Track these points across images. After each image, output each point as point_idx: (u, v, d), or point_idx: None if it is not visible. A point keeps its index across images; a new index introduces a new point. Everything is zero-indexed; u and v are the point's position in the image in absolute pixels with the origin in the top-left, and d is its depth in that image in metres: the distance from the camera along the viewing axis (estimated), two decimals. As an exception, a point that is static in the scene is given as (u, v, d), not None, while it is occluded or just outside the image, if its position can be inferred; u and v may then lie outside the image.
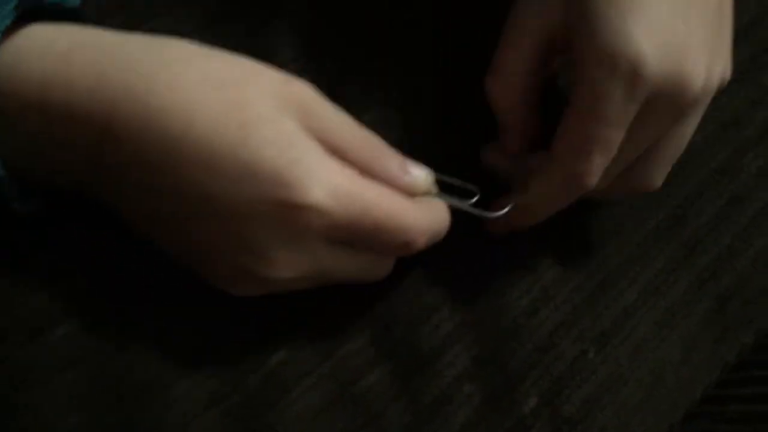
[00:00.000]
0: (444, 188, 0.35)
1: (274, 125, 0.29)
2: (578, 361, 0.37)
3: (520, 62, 0.34)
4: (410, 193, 0.32)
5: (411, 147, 0.35)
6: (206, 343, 0.34)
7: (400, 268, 0.36)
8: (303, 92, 0.31)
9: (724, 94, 0.43)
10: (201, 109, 0.28)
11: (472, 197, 0.35)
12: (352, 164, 0.31)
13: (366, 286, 0.35)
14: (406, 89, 0.39)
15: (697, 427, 0.42)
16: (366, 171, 0.31)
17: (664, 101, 0.31)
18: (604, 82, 0.30)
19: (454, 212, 0.34)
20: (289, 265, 0.30)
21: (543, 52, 0.34)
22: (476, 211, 0.35)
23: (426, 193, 0.33)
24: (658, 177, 0.35)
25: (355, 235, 0.30)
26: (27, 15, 0.29)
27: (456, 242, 0.37)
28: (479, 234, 0.38)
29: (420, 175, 0.33)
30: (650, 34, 0.30)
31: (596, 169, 0.32)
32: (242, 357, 0.34)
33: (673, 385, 0.39)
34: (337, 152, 0.31)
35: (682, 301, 0.40)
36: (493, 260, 0.38)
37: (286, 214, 0.29)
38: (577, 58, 0.31)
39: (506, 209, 0.35)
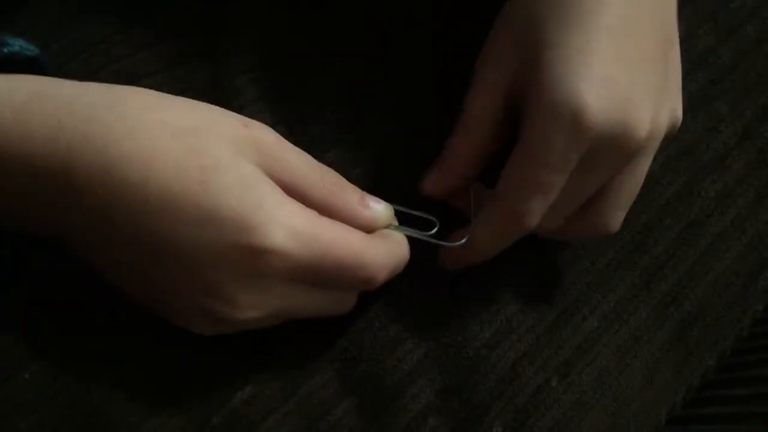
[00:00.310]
0: (405, 220, 0.35)
1: (233, 170, 0.29)
2: (542, 390, 0.38)
3: (485, 118, 0.35)
4: (371, 227, 0.34)
5: (372, 182, 0.36)
6: (172, 381, 0.35)
7: (364, 302, 0.36)
8: (261, 135, 0.31)
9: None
10: (159, 156, 0.29)
11: (432, 228, 0.36)
12: (312, 203, 0.32)
13: (331, 320, 0.35)
14: (367, 128, 0.40)
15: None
16: (327, 208, 0.32)
17: (608, 148, 0.32)
18: (547, 129, 0.32)
19: (419, 244, 0.35)
20: (254, 307, 0.31)
21: (506, 101, 0.35)
22: (435, 241, 0.36)
23: (387, 226, 0.34)
24: (613, 220, 0.36)
25: (318, 274, 0.31)
26: None
27: (419, 275, 0.38)
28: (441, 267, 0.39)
29: (379, 209, 0.34)
30: (594, 86, 0.31)
31: (536, 211, 0.33)
32: (208, 395, 0.35)
33: (637, 409, 0.40)
34: (297, 192, 0.31)
35: (644, 327, 0.40)
36: (456, 292, 0.38)
37: (249, 259, 0.29)
38: (527, 105, 0.33)
39: (464, 240, 0.36)
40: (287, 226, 0.29)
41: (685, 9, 0.45)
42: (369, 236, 0.33)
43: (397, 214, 0.36)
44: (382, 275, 0.33)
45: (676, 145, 0.44)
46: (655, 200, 0.42)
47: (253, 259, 0.29)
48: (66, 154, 0.28)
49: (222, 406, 0.34)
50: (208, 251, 0.29)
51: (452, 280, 0.38)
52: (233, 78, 0.41)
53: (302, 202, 0.31)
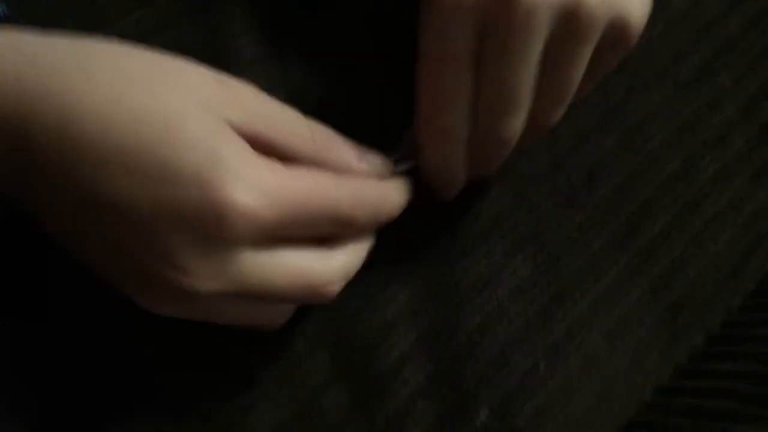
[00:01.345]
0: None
1: (197, 125, 0.27)
2: (529, 374, 0.38)
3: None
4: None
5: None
6: (162, 365, 0.35)
7: (359, 287, 0.36)
8: (238, 90, 0.30)
9: (680, 97, 0.43)
10: (119, 109, 0.27)
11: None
12: (303, 160, 0.30)
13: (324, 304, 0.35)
14: (370, 94, 0.39)
15: (650, 418, 0.43)
16: (319, 165, 0.31)
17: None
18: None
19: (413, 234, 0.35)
20: (212, 278, 0.28)
21: None
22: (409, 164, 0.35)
23: None
24: (552, 119, 0.34)
25: (290, 230, 0.29)
26: None
27: (413, 259, 0.38)
28: (437, 249, 0.38)
29: (377, 162, 0.33)
30: None
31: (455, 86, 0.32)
32: (198, 380, 0.35)
33: (623, 390, 0.40)
34: (283, 150, 0.30)
35: (635, 310, 0.40)
36: (449, 277, 0.38)
37: (209, 220, 0.27)
38: None
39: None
40: (252, 184, 0.27)
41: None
42: (358, 179, 0.32)
43: None
44: (360, 213, 0.31)
45: (677, 120, 0.43)
46: (653, 179, 0.42)
47: (213, 221, 0.27)
48: (24, 106, 0.26)
49: (214, 391, 0.35)
50: (165, 211, 0.27)
51: (445, 265, 0.38)
52: (230, 40, 0.40)
53: (291, 160, 0.30)
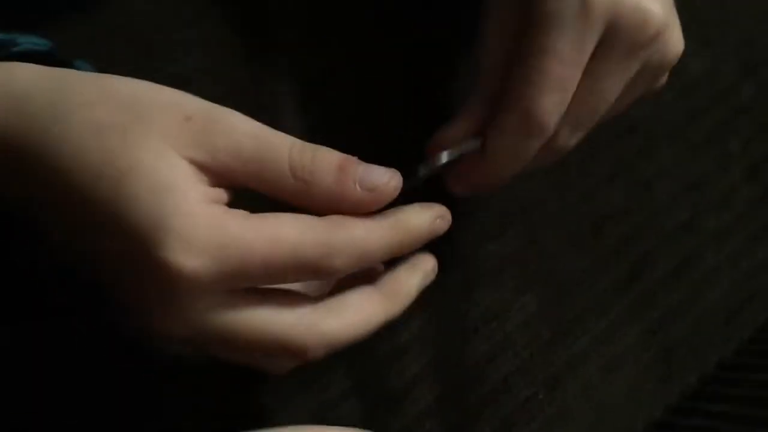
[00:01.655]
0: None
1: (149, 174, 0.27)
2: (529, 401, 0.42)
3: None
4: (370, 206, 0.30)
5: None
6: (206, 369, 0.39)
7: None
8: (207, 128, 0.28)
9: (689, 157, 0.47)
10: (81, 160, 0.27)
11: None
12: (285, 195, 0.29)
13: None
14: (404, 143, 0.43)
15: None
16: (298, 199, 0.30)
17: (621, 34, 0.32)
18: (556, 14, 0.31)
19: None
20: (176, 324, 0.28)
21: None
22: (446, 157, 0.34)
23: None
24: (570, 141, 0.35)
25: (252, 283, 0.29)
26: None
27: (428, 290, 0.41)
28: (451, 282, 0.42)
29: (379, 183, 0.30)
30: None
31: (552, 110, 0.32)
32: (233, 385, 0.39)
33: (616, 422, 0.44)
34: (262, 184, 0.29)
35: (631, 349, 0.44)
36: (461, 308, 0.42)
37: (155, 276, 0.27)
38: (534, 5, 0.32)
39: (478, 142, 0.34)
40: (190, 243, 0.27)
41: (713, 45, 0.47)
42: (336, 222, 0.29)
43: None
44: (343, 265, 0.29)
45: (684, 178, 0.46)
46: (657, 231, 0.46)
47: (158, 278, 0.27)
48: (15, 150, 0.28)
49: (241, 392, 0.39)
50: (124, 263, 0.28)
51: (459, 296, 0.42)
52: (270, 83, 0.43)
53: (273, 196, 0.29)
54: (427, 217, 0.32)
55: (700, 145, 0.45)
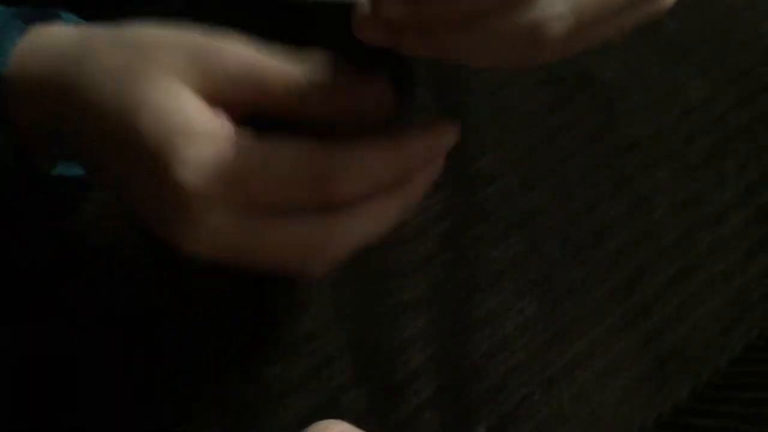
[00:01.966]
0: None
1: (160, 106, 0.30)
2: (525, 400, 0.44)
3: None
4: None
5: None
6: (213, 360, 0.42)
7: (386, 309, 0.43)
8: (212, 59, 0.31)
9: (686, 177, 0.49)
10: (101, 99, 0.31)
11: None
12: (291, 113, 0.31)
13: (356, 316, 0.41)
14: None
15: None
16: (308, 117, 0.32)
17: None
18: None
19: (435, 270, 0.41)
20: (199, 242, 0.30)
21: None
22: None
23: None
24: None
25: (270, 198, 0.30)
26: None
27: (433, 290, 0.44)
28: (455, 283, 0.45)
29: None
30: None
31: None
32: (246, 368, 0.41)
33: (610, 426, 0.46)
34: (263, 109, 0.31)
35: (626, 356, 0.46)
36: (463, 308, 0.44)
37: (168, 195, 0.30)
38: None
39: None
40: (195, 159, 0.29)
41: (713, 73, 0.50)
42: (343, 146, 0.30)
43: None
44: (349, 186, 0.30)
45: (681, 196, 0.49)
46: (653, 245, 0.48)
47: (171, 197, 0.29)
48: (54, 89, 0.32)
49: (256, 381, 0.41)
50: (144, 187, 0.31)
51: (461, 297, 0.44)
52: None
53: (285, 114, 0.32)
54: (430, 133, 0.32)
55: (698, 165, 0.47)
